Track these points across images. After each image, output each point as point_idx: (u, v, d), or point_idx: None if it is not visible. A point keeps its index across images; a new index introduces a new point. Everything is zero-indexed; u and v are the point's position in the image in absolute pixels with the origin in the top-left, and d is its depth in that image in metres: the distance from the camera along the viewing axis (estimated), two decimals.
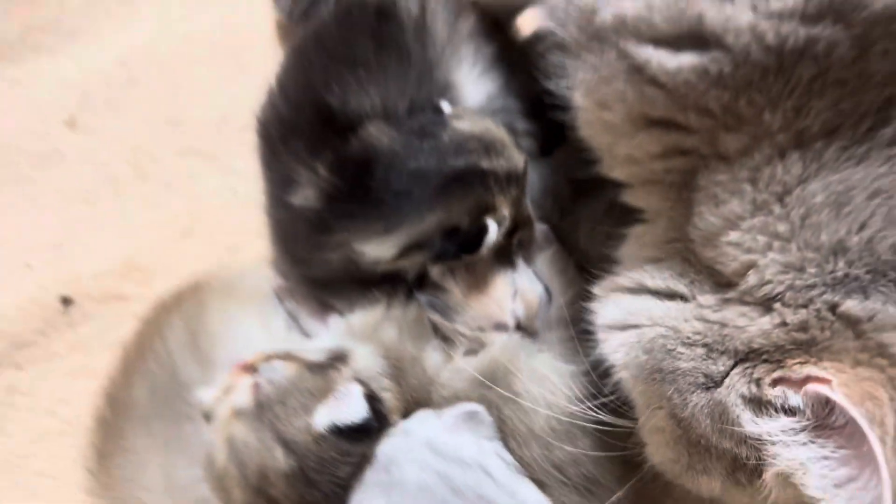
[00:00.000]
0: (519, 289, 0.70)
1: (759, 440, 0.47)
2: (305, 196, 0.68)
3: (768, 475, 0.47)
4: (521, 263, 0.72)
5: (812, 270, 0.43)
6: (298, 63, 0.74)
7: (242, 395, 0.62)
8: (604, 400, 0.61)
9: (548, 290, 0.72)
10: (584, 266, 0.74)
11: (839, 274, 0.43)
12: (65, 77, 0.83)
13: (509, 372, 0.67)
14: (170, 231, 0.80)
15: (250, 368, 0.63)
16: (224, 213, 0.81)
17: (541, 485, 0.63)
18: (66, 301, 0.75)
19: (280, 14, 0.84)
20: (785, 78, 0.41)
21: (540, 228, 0.75)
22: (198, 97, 0.84)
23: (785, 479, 0.47)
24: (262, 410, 0.60)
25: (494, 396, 0.66)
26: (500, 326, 0.70)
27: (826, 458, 0.43)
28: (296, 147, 0.70)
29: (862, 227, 0.42)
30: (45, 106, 0.83)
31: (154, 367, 0.66)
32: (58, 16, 0.86)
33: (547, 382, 0.67)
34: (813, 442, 0.44)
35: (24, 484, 0.70)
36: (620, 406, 0.59)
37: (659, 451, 0.56)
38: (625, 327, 0.54)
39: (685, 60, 0.44)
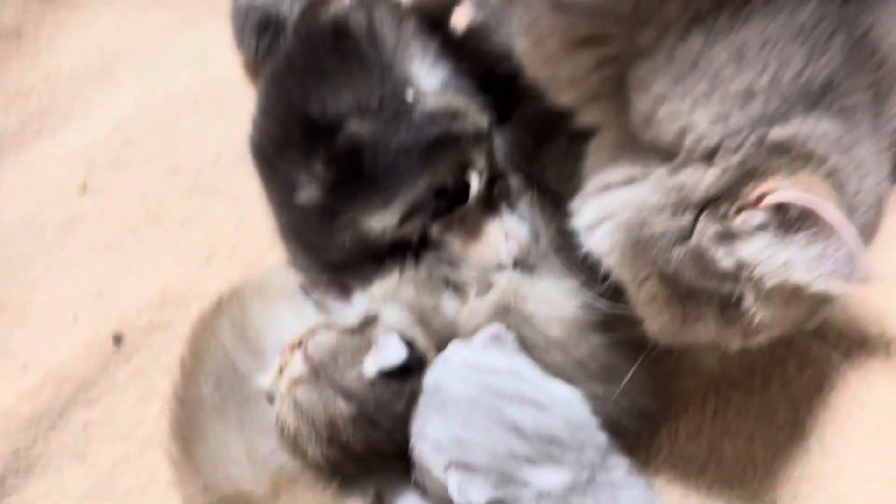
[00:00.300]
0: (508, 231, 0.80)
1: (739, 270, 0.56)
2: (309, 193, 0.77)
3: (748, 300, 0.57)
4: (505, 209, 0.82)
5: (735, 116, 0.53)
6: (276, 87, 0.85)
7: (297, 366, 0.71)
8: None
9: (533, 228, 0.83)
10: (558, 202, 0.85)
11: (757, 112, 0.53)
12: (69, 151, 0.93)
13: (518, 299, 0.76)
14: (193, 261, 0.88)
15: (297, 344, 0.72)
16: (236, 236, 0.90)
17: (567, 381, 0.72)
18: (118, 338, 0.83)
19: (246, 54, 0.95)
20: None
21: (513, 179, 0.86)
22: (190, 143, 0.94)
23: (768, 296, 0.56)
24: (318, 372, 0.69)
25: (511, 321, 0.75)
26: (500, 266, 0.79)
27: (800, 247, 0.53)
28: (291, 156, 0.80)
29: (763, 70, 0.52)
30: (56, 180, 0.92)
31: (214, 365, 0.74)
32: (50, 102, 0.95)
33: (551, 300, 0.76)
34: (785, 242, 0.54)
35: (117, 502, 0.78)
36: (615, 296, 0.69)
37: (656, 319, 0.64)
38: (602, 220, 0.62)
39: None
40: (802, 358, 0.81)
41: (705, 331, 0.62)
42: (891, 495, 0.76)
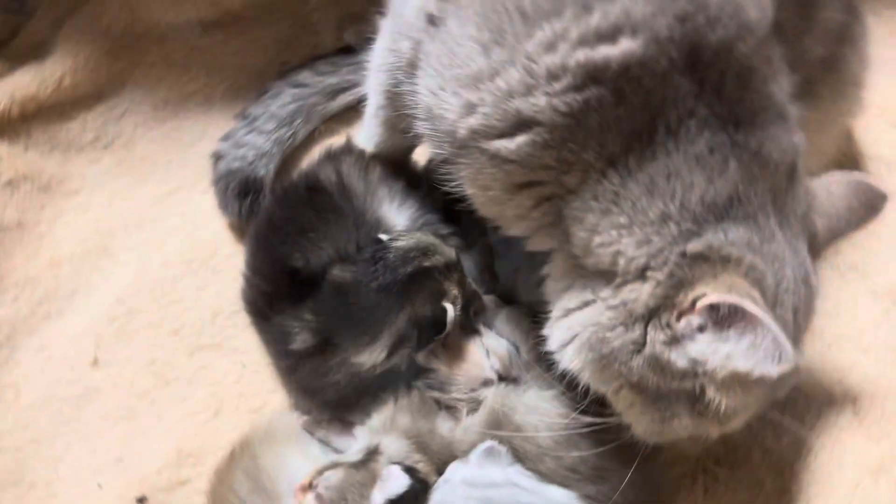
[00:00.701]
0: (489, 348, 0.87)
1: (693, 367, 0.63)
2: (303, 340, 0.84)
3: (710, 392, 0.64)
4: (483, 329, 0.89)
5: (656, 238, 0.62)
6: (261, 244, 0.93)
7: None
8: (584, 406, 0.76)
9: (512, 342, 0.89)
10: (532, 314, 0.92)
11: (674, 232, 0.62)
12: (78, 329, 1.00)
13: (507, 413, 0.81)
14: (203, 415, 0.95)
15: (308, 486, 0.78)
16: (240, 386, 0.97)
17: (561, 485, 0.77)
18: (141, 500, 0.89)
19: (230, 217, 1.05)
20: (583, 128, 0.61)
21: (487, 298, 0.94)
22: (187, 304, 1.01)
23: (725, 385, 0.63)
24: None
25: (503, 434, 0.81)
26: (486, 382, 0.85)
27: (735, 340, 0.61)
28: (282, 308, 0.87)
29: (672, 197, 0.61)
30: (68, 358, 0.99)
31: None
32: (55, 285, 1.04)
33: (539, 410, 0.81)
34: (723, 338, 0.61)
35: None
36: (599, 407, 0.75)
37: (639, 421, 0.70)
38: (569, 341, 0.70)
39: (520, 140, 0.63)
40: (777, 427, 0.87)
41: (682, 426, 0.68)
42: None
